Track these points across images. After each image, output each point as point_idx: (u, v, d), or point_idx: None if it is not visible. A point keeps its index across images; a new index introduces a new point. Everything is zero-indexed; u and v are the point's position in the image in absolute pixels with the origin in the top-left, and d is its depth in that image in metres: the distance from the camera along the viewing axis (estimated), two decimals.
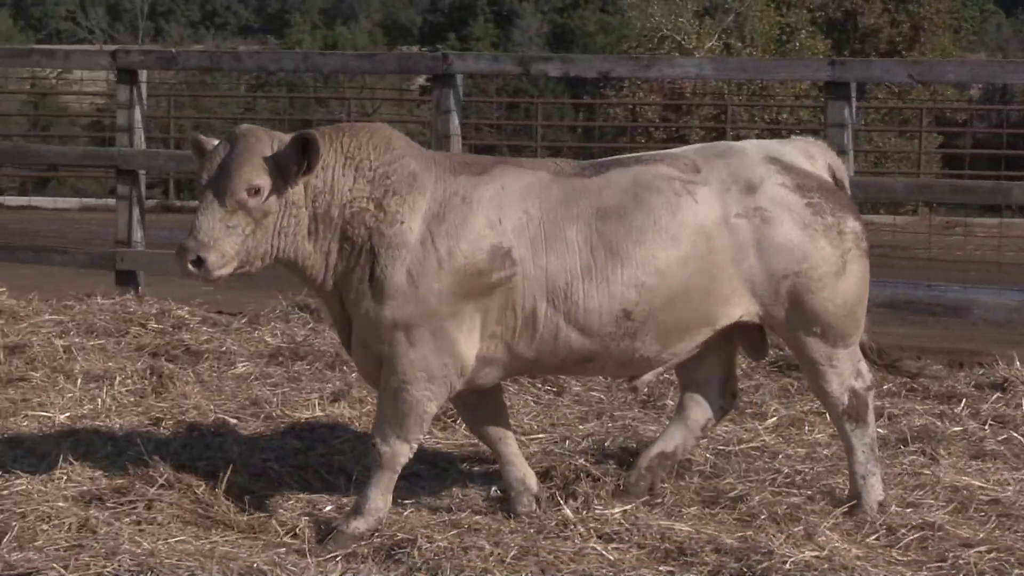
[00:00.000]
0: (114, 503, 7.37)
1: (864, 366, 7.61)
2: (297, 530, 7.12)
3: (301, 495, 7.72)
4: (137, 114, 14.19)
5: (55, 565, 6.32)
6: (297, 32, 78.83)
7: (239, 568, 6.36)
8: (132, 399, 9.64)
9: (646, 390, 9.39)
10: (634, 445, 8.63)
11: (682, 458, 7.88)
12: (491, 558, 6.60)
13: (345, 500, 7.61)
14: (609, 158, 7.66)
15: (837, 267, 7.33)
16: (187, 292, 13.47)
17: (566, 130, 38.92)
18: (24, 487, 7.64)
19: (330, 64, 17.69)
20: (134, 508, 7.31)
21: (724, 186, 7.29)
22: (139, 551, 6.46)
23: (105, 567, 6.28)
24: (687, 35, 41.64)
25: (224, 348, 11.26)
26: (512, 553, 6.64)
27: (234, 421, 9.22)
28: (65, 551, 6.63)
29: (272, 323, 12.20)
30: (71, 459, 8.19)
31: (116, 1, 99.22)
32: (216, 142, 7.14)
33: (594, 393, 10.18)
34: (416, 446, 7.26)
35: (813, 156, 7.61)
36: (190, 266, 6.89)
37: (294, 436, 8.92)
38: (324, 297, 7.38)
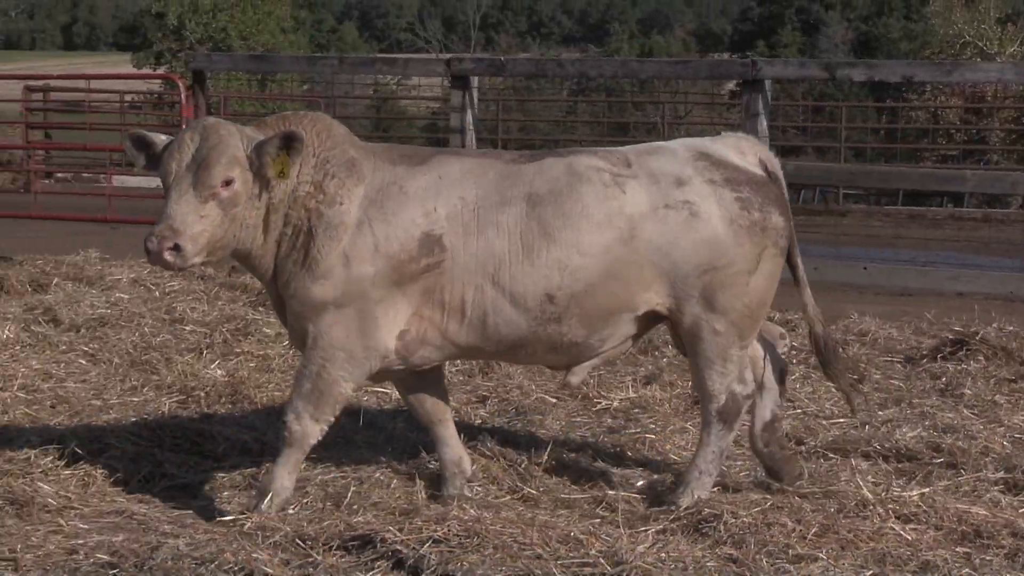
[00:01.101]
0: (445, 474, 7.50)
1: (750, 374, 7.31)
2: (611, 503, 7.13)
3: (615, 470, 7.73)
4: (469, 117, 14.41)
5: (391, 528, 6.45)
6: (616, 41, 79.06)
7: (557, 536, 6.40)
8: (461, 378, 9.80)
9: (583, 385, 9.03)
10: (931, 433, 8.42)
11: (781, 415, 7.64)
12: (793, 534, 6.52)
13: (656, 476, 7.62)
14: (544, 150, 7.34)
15: (752, 265, 7.08)
16: None
17: (869, 132, 38.16)
18: (362, 455, 7.85)
19: (646, 70, 17.71)
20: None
21: (653, 180, 7.06)
22: (466, 517, 6.55)
23: (435, 531, 6.38)
24: (989, 41, 40.53)
25: None
26: (813, 530, 6.55)
27: (553, 400, 9.29)
28: (399, 515, 6.77)
29: None
30: (405, 433, 8.39)
31: (451, 14, 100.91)
32: (164, 138, 6.92)
33: (894, 381, 9.98)
34: (327, 427, 7.03)
35: (744, 151, 7.34)
36: (167, 254, 6.63)
37: (609, 415, 8.96)
38: (268, 284, 7.15)
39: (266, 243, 6.96)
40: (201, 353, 10.35)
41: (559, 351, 7.19)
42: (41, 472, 7.48)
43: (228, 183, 6.75)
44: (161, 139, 6.92)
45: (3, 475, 7.43)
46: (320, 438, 7.02)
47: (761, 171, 7.25)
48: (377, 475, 7.48)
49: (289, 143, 6.78)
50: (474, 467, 7.55)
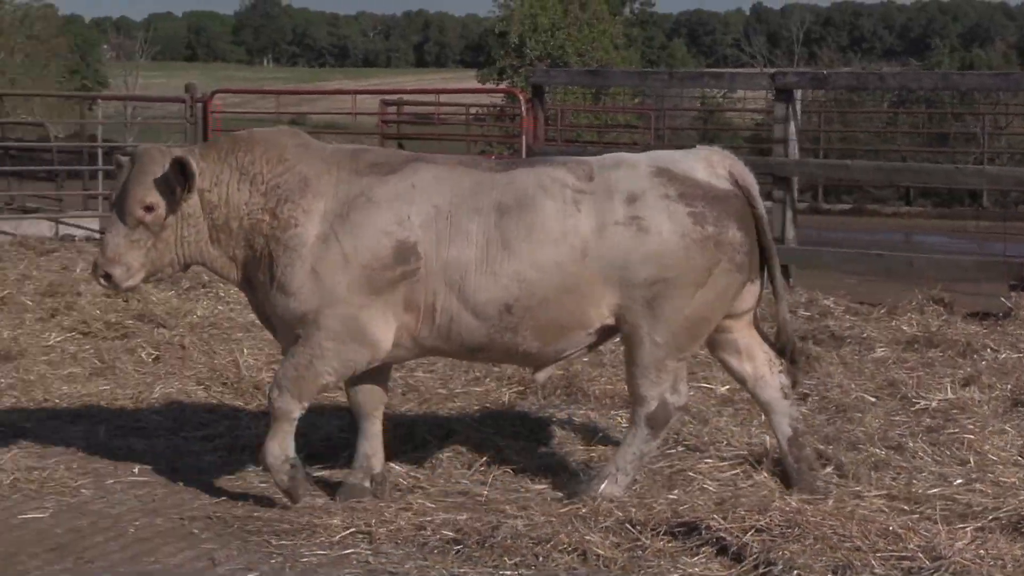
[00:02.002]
0: (761, 464, 7.47)
1: (685, 387, 7.11)
2: (929, 499, 6.94)
3: (933, 468, 7.53)
4: (792, 128, 14.24)
5: (715, 516, 6.43)
6: (936, 54, 76.94)
7: (875, 529, 6.27)
8: None
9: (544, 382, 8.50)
10: None
11: (802, 429, 7.36)
12: None
13: (974, 475, 7.38)
14: (522, 158, 7.02)
15: (702, 278, 6.84)
16: (832, 283, 13.48)
17: None
18: (688, 447, 7.86)
19: (967, 83, 17.26)
20: (778, 471, 7.37)
21: (608, 195, 6.86)
22: (787, 508, 6.47)
23: (758, 520, 6.33)
24: None
25: (865, 335, 11.12)
26: None
27: (872, 399, 9.10)
28: (723, 504, 6.72)
29: (909, 314, 11.95)
30: (728, 426, 8.35)
31: (775, 30, 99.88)
32: (124, 160, 7.02)
33: None
34: (308, 405, 7.04)
35: (713, 164, 7.04)
36: (101, 281, 6.94)
37: (927, 415, 8.71)
38: (242, 289, 7.25)
39: (221, 257, 7.02)
40: None
41: (514, 358, 7.18)
42: (394, 454, 7.69)
43: (149, 208, 6.86)
44: (124, 162, 7.06)
45: None
46: (302, 412, 7.04)
47: (728, 184, 6.98)
48: (701, 465, 7.45)
49: (181, 169, 6.83)
50: (386, 469, 7.41)
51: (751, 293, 7.14)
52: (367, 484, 7.27)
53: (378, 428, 7.37)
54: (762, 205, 7.10)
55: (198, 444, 8.19)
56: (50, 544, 6.55)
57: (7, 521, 6.86)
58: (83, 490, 7.36)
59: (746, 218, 6.98)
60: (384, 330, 6.91)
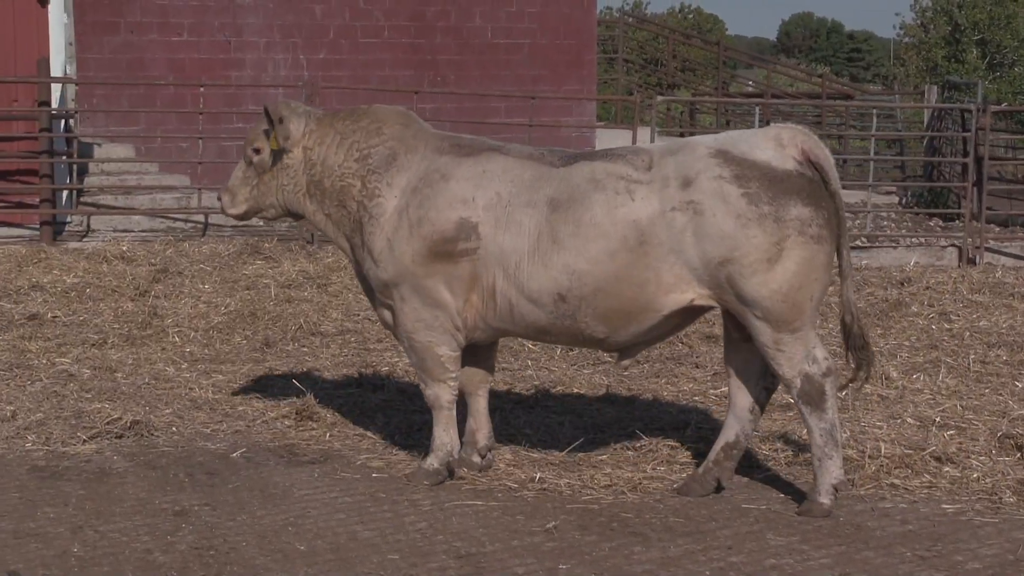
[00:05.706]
0: None
1: (820, 352, 6.97)
2: None
3: None
4: None
5: None
6: None
7: None
8: None
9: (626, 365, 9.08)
10: None
11: (745, 445, 7.38)
12: None
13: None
14: (588, 150, 7.22)
15: (770, 254, 6.78)
16: None
17: None
18: None
19: None
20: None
21: (664, 183, 6.92)
22: None
23: None
24: None
25: None
26: None
27: None
28: None
29: None
30: None
31: None
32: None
33: None
34: (453, 384, 7.46)
35: (783, 143, 6.93)
36: (218, 202, 7.86)
37: None
38: (342, 250, 7.77)
39: (317, 212, 7.66)
40: None
41: (585, 342, 7.34)
42: None
43: (257, 152, 7.73)
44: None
45: None
46: (453, 394, 7.53)
47: (794, 163, 6.90)
48: None
49: (268, 116, 7.67)
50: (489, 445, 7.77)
51: None
52: (476, 458, 7.80)
53: (483, 405, 7.84)
54: (837, 180, 6.99)
55: None
56: None
57: None
58: None
59: (816, 193, 6.89)
60: (452, 295, 7.30)
